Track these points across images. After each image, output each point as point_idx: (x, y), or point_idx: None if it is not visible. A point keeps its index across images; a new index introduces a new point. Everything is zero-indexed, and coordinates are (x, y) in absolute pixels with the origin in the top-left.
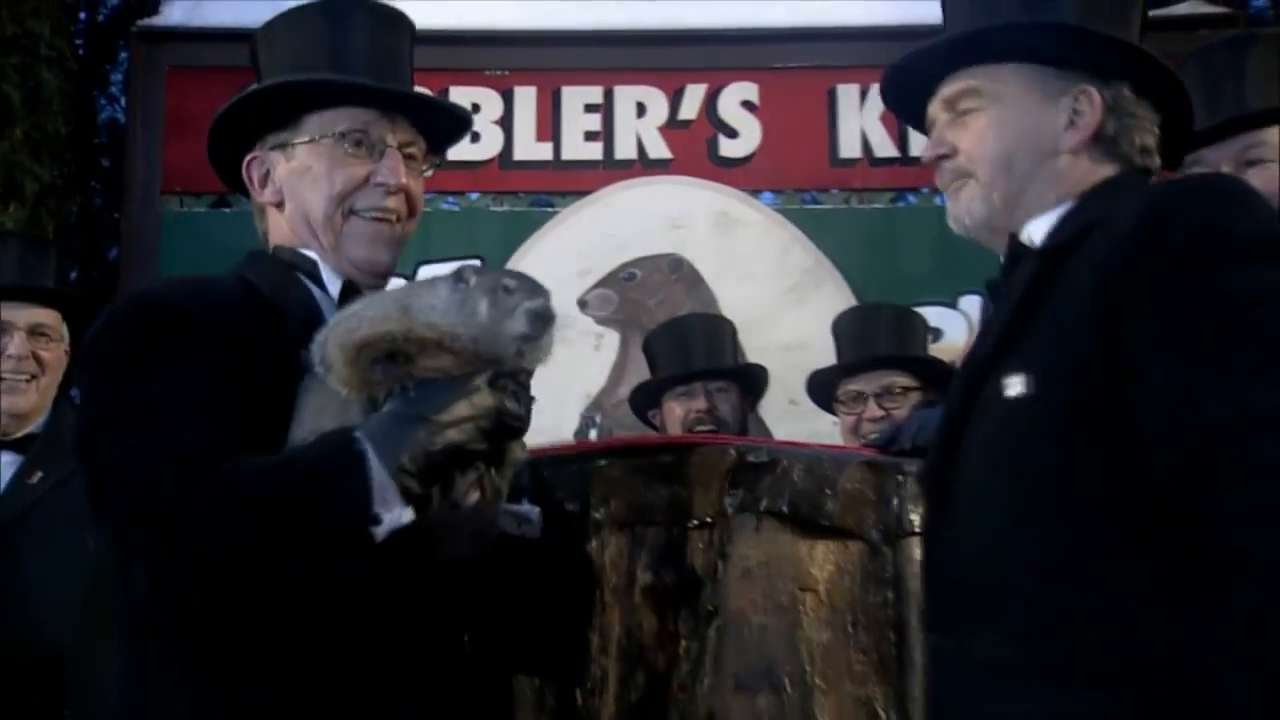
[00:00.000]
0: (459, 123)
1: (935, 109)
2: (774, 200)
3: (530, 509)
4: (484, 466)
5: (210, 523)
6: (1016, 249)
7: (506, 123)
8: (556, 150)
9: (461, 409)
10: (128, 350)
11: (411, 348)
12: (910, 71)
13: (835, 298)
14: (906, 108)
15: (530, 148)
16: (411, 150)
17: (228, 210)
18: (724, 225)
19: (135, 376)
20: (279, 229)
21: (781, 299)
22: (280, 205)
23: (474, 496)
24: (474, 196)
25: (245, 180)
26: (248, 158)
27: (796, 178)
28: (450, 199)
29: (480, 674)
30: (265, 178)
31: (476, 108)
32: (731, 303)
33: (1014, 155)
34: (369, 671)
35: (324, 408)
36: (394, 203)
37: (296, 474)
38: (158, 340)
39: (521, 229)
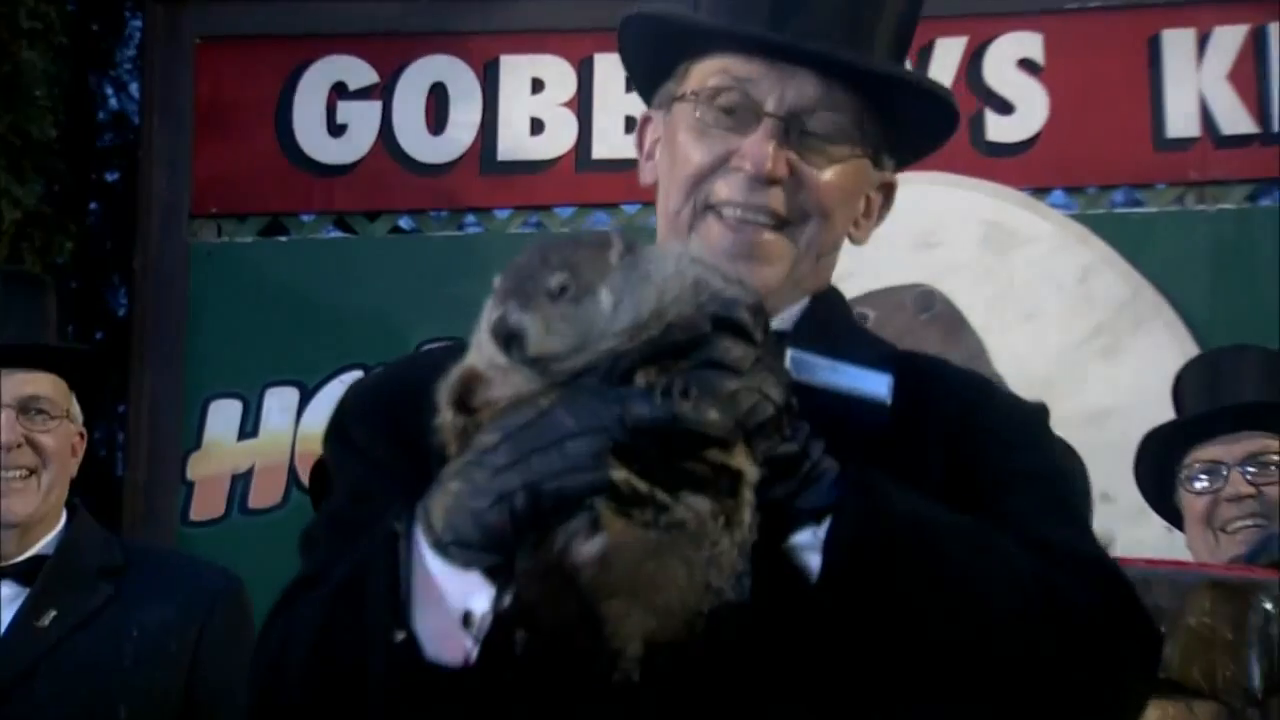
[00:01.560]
0: (939, 108)
1: None
2: (1068, 203)
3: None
4: (650, 497)
5: (270, 672)
6: None
7: None
8: None
9: (523, 438)
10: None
11: (474, 382)
12: None
13: (1164, 344)
14: None
15: None
16: (814, 125)
17: (284, 240)
18: (996, 241)
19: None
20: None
21: (1082, 348)
22: (656, 185)
23: (591, 547)
24: (631, 210)
25: (637, 150)
26: (640, 117)
27: (1103, 169)
28: (599, 213)
29: None
30: (653, 146)
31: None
32: (1009, 353)
33: None
34: None
35: None
36: (760, 198)
37: (336, 588)
38: (328, 448)
39: None
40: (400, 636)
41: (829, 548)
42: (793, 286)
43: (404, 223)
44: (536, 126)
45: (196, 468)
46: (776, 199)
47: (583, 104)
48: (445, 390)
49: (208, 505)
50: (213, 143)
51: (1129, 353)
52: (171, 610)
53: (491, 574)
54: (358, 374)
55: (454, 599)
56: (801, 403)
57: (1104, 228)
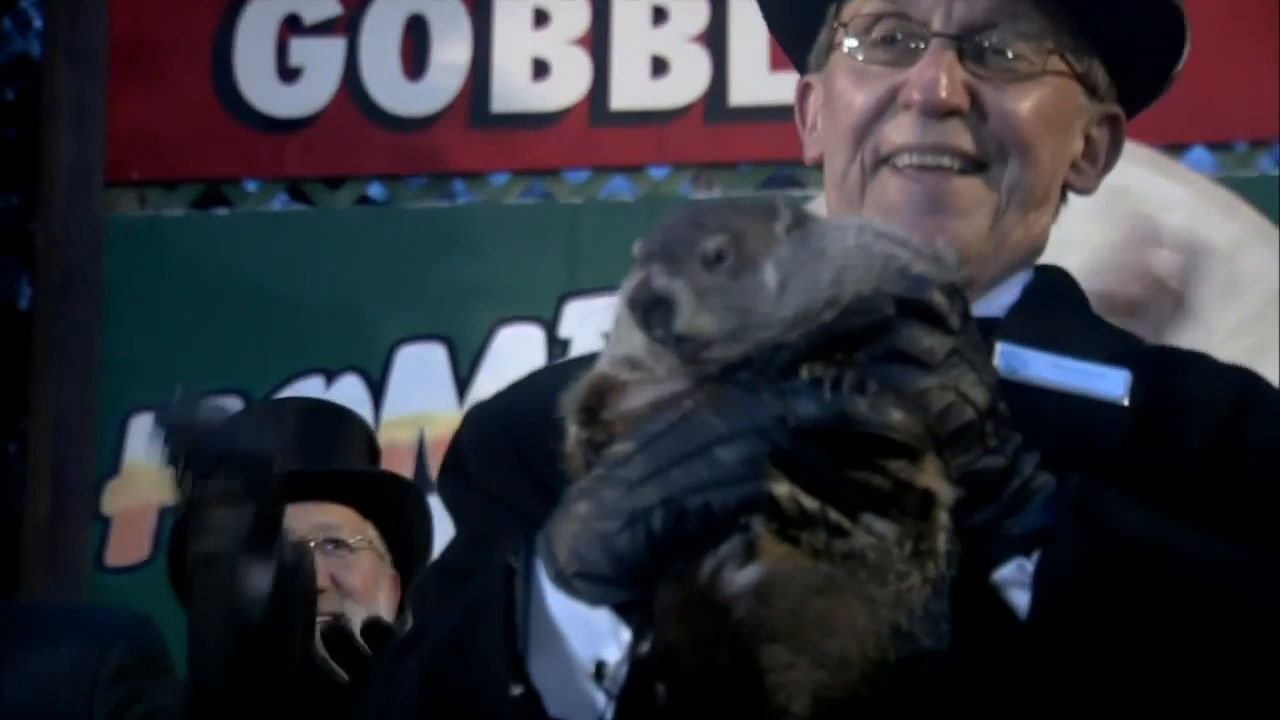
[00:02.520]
0: (1159, 13)
1: None
2: (1213, 163)
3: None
4: (819, 518)
5: None
6: None
7: (717, 43)
8: None
9: (662, 446)
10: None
11: (606, 389)
12: None
13: None
14: None
15: (752, 83)
16: (997, 40)
17: (224, 213)
18: (1118, 210)
19: None
20: None
21: (1225, 347)
22: (823, 160)
23: (747, 577)
24: (658, 174)
25: (798, 124)
26: (798, 84)
27: (1253, 121)
28: (618, 178)
29: None
30: (815, 115)
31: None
32: None
33: None
34: None
35: None
36: (939, 135)
37: (441, 640)
38: (444, 488)
39: None
40: (518, 691)
41: (1039, 583)
42: (997, 248)
43: (374, 191)
44: (540, 70)
45: (114, 499)
46: (960, 134)
47: (598, 41)
48: (571, 402)
49: (128, 546)
50: (132, 92)
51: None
52: (57, 666)
53: (626, 613)
54: (316, 381)
55: (581, 645)
56: (1013, 405)
57: (1261, 195)
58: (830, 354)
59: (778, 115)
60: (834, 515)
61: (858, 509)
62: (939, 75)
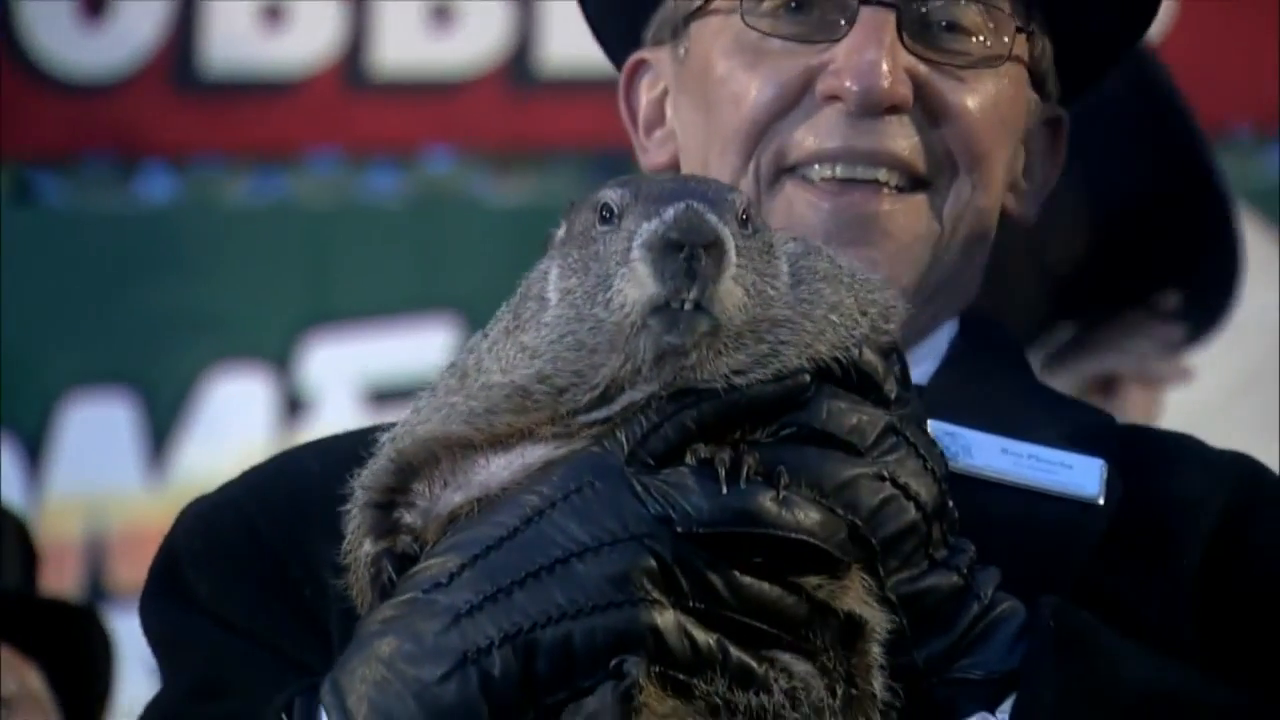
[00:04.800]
0: None
1: None
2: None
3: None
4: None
5: None
6: None
7: None
8: None
9: (499, 559)
10: None
11: (413, 476)
12: None
13: None
14: None
15: (571, 41)
16: (941, 11)
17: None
18: None
19: None
20: None
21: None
22: (678, 168)
23: None
24: (439, 164)
25: (625, 119)
26: (628, 64)
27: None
28: (381, 169)
29: None
30: (659, 108)
31: None
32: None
33: None
34: None
35: None
36: (873, 139)
37: None
38: (152, 610)
39: None
40: None
41: None
42: (934, 292)
43: (38, 180)
44: (271, 19)
45: None
46: (899, 138)
47: None
48: (369, 484)
49: None
50: None
51: None
52: None
53: None
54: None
55: None
56: (954, 504)
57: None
58: (724, 432)
59: (607, 86)
60: (736, 654)
61: (767, 644)
62: (879, 58)
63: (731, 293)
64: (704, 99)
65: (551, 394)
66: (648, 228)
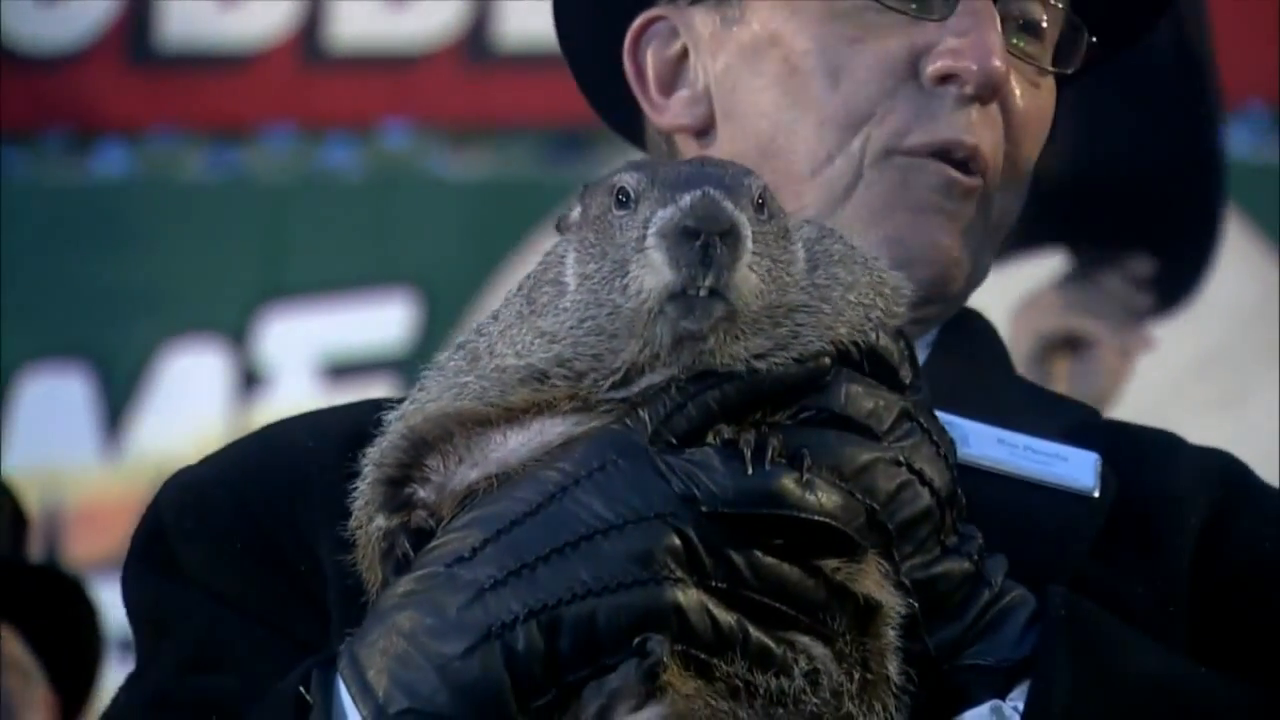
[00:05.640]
0: None
1: None
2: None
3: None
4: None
5: None
6: None
7: None
8: None
9: (523, 535)
10: None
11: (427, 452)
12: None
13: None
14: None
15: (529, 13)
16: (1021, 7)
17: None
18: None
19: None
20: None
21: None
22: (707, 131)
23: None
24: (396, 139)
25: (631, 77)
26: (639, 21)
27: None
28: (338, 144)
29: None
30: (675, 67)
31: None
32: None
33: None
34: None
35: None
36: (969, 131)
37: None
38: (137, 585)
39: None
40: None
41: None
42: (964, 288)
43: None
44: None
45: None
46: (985, 127)
47: None
48: (380, 459)
49: None
50: None
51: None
52: None
53: None
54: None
55: None
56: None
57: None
58: (746, 413)
59: (565, 61)
60: (756, 635)
61: (785, 625)
62: (998, 41)
63: (747, 279)
64: (782, 67)
65: (570, 378)
66: (663, 215)
